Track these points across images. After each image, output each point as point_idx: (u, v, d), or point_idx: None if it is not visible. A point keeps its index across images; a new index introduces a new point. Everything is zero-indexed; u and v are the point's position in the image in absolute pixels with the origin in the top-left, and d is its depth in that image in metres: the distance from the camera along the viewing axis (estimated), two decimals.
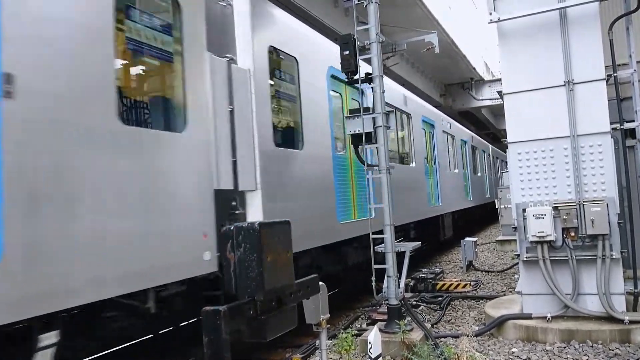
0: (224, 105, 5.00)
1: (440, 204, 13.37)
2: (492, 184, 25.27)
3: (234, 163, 5.07)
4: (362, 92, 7.73)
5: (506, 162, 26.71)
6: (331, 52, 7.51)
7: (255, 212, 5.26)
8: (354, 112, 6.45)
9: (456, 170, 16.21)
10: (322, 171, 7.04)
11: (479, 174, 21.67)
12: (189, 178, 4.40)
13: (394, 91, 10.61)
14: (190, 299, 4.70)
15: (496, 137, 36.38)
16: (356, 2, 6.33)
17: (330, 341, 5.86)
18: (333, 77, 7.58)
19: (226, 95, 5.05)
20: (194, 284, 4.60)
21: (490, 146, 26.76)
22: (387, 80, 10.06)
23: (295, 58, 6.64)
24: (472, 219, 20.32)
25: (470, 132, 20.82)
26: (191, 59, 4.65)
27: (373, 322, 6.62)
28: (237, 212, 5.08)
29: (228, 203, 5.08)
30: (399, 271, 6.35)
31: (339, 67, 6.38)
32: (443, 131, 14.60)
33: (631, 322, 5.62)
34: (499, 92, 6.94)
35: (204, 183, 4.58)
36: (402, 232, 10.49)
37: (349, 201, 7.68)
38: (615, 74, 6.33)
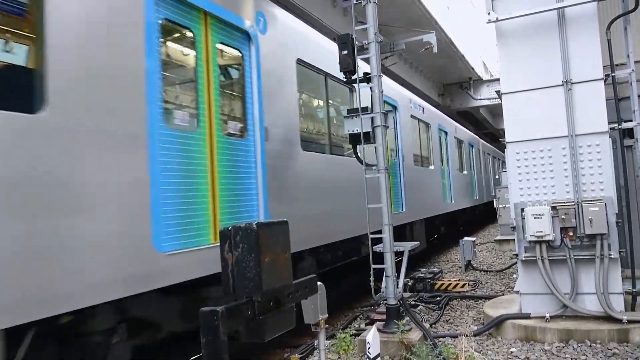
0: None
1: (453, 201, 15.37)
2: (482, 184, 24.40)
3: None
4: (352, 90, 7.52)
5: (501, 160, 26.36)
6: None
7: None
8: (352, 112, 6.44)
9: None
10: None
11: (465, 172, 20.67)
12: None
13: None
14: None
15: (494, 136, 36.42)
16: (354, 2, 6.33)
17: (329, 341, 5.86)
18: None
19: None
20: None
21: (480, 141, 26.13)
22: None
23: None
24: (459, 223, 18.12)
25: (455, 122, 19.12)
26: None
27: (372, 322, 6.62)
28: None
29: None
30: (398, 271, 6.35)
31: None
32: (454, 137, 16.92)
33: (629, 321, 5.63)
34: (498, 92, 6.96)
35: None
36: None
37: None
38: (613, 74, 6.34)
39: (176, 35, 4.76)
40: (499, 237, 15.77)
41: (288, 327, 2.48)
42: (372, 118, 6.22)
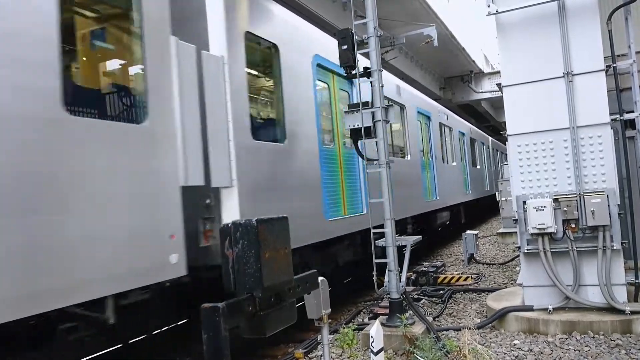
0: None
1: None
2: (492, 177, 24.04)
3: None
4: (351, 83, 7.76)
5: (498, 151, 25.95)
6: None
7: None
8: (353, 107, 6.43)
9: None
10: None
11: (478, 167, 20.35)
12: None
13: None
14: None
15: (496, 129, 36.34)
16: None
17: (332, 336, 5.87)
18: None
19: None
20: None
21: (490, 138, 26.14)
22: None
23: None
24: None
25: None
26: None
27: (375, 316, 6.65)
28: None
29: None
30: (400, 265, 6.36)
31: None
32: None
33: (632, 312, 5.63)
34: (499, 85, 6.94)
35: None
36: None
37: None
38: (614, 65, 6.31)
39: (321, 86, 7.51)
40: (501, 230, 15.78)
41: (289, 322, 2.49)
42: (372, 113, 6.21)
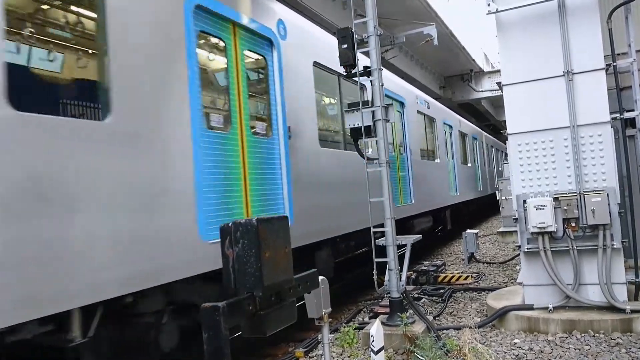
0: None
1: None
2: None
3: None
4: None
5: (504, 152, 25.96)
6: None
7: None
8: (353, 106, 6.43)
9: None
10: None
11: (488, 167, 20.48)
12: None
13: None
14: None
15: (496, 128, 36.33)
16: None
17: (333, 335, 5.88)
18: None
19: None
20: None
21: (498, 142, 26.36)
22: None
23: None
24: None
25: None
26: None
27: (375, 316, 6.65)
28: None
29: None
30: (401, 264, 6.36)
31: None
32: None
33: (633, 311, 5.63)
34: (499, 84, 6.92)
35: None
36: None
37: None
38: (614, 64, 6.31)
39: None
40: (501, 229, 15.78)
41: (290, 321, 2.49)
42: (372, 112, 6.21)
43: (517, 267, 9.84)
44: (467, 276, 9.48)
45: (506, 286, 8.29)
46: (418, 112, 12.20)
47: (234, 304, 2.12)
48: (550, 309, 5.95)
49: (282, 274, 2.37)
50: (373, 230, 6.23)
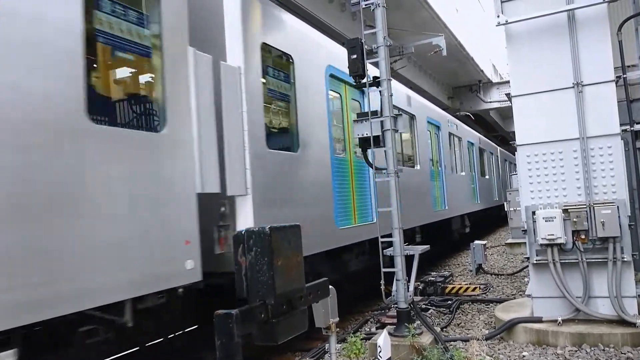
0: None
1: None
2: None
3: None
4: (363, 93, 7.92)
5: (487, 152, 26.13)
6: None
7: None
8: (362, 116, 6.46)
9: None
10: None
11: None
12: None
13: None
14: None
15: (505, 139, 36.22)
16: (363, 6, 6.36)
17: (340, 345, 5.85)
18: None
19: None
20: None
21: (479, 136, 26.38)
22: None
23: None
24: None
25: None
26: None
27: (382, 326, 6.62)
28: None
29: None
30: (408, 274, 6.34)
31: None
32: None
33: None
34: (508, 95, 6.93)
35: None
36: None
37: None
38: (624, 76, 6.31)
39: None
40: (510, 240, 15.68)
41: (301, 329, 2.50)
42: (381, 122, 6.23)
43: (526, 279, 9.77)
44: (475, 287, 9.42)
45: (514, 298, 8.23)
46: (449, 133, 14.54)
47: (247, 312, 2.13)
48: (560, 322, 5.90)
49: (293, 282, 2.39)
50: (381, 240, 6.23)
